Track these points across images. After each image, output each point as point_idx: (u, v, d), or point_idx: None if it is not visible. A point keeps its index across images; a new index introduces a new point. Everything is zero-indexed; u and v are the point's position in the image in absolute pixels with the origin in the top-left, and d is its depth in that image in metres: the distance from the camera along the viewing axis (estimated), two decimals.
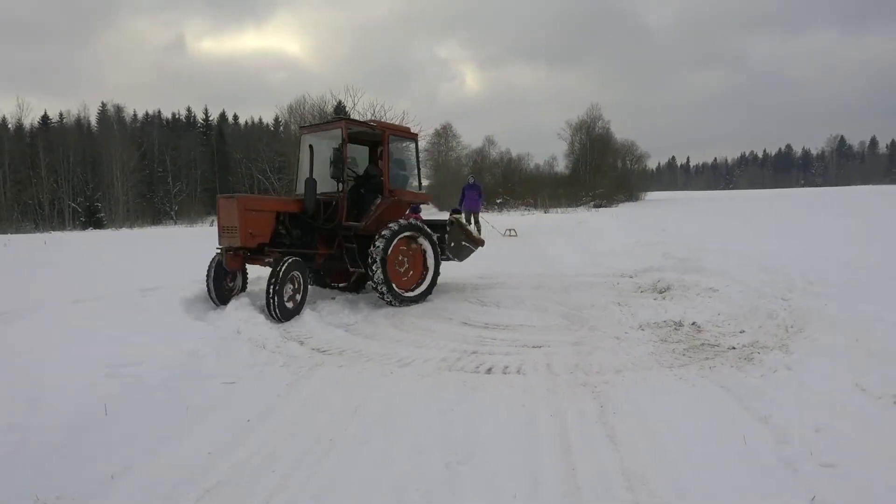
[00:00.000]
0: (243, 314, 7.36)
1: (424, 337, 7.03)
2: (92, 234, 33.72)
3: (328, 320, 7.83)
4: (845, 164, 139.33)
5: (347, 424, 4.41)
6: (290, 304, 7.77)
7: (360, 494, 3.40)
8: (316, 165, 8.97)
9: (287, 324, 7.52)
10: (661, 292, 9.13)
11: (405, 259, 9.10)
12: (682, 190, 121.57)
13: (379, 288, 8.58)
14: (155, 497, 3.35)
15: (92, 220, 56.17)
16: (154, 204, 67.74)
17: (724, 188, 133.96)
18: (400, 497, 3.36)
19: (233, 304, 7.77)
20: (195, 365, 5.45)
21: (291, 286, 7.87)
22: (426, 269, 9.33)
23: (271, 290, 7.49)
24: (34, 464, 3.54)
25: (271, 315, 7.49)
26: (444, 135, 66.65)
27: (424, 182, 52.29)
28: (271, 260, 7.95)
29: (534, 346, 6.44)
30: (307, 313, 7.92)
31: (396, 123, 10.47)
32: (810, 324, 5.98)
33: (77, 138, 64.50)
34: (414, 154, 10.06)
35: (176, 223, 58.95)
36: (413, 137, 9.97)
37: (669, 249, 12.70)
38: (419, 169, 10.18)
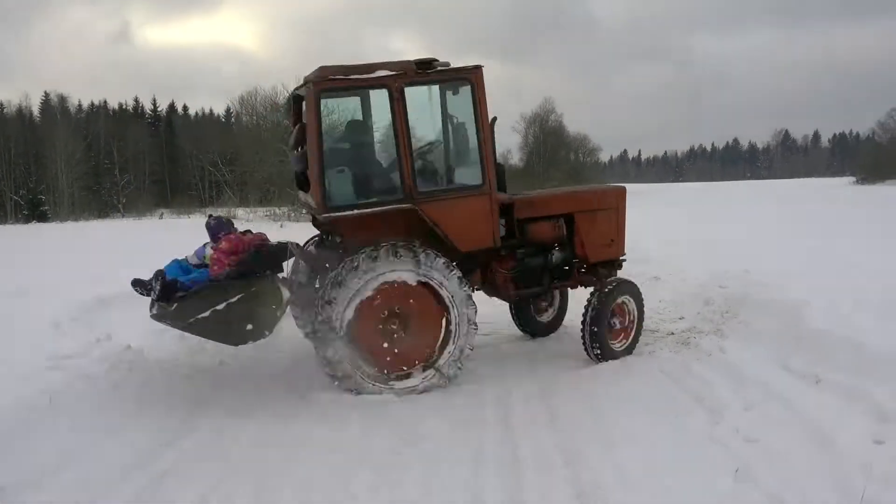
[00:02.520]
0: None
1: None
2: (36, 227, 32.69)
3: None
4: (790, 157, 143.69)
5: None
6: None
7: None
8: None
9: None
10: None
11: None
12: (633, 182, 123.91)
13: None
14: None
15: (35, 213, 54.40)
16: (101, 196, 65.73)
17: (674, 181, 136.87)
18: None
19: None
20: None
21: None
22: None
23: None
24: None
25: None
26: None
27: None
28: None
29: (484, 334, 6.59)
30: None
31: None
32: (744, 309, 6.25)
33: (19, 129, 62.21)
34: None
35: (123, 216, 57.44)
36: None
37: None
38: None
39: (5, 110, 68.75)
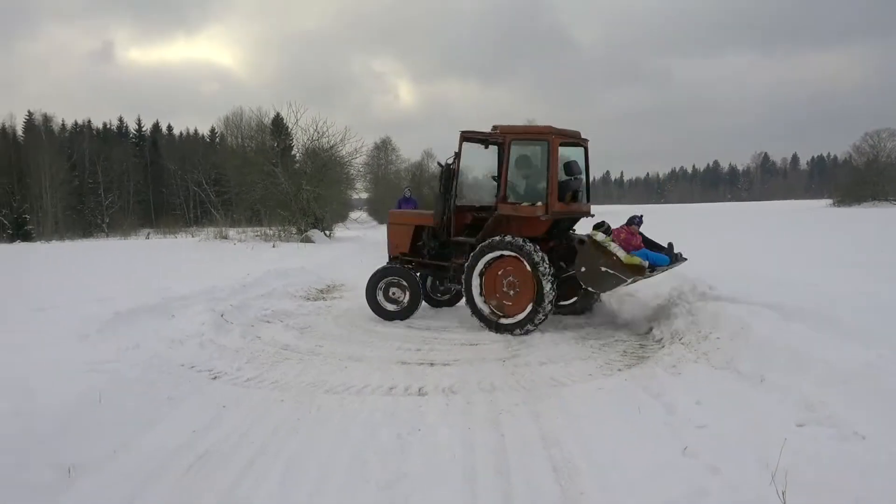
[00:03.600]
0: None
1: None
2: (28, 247, 32.89)
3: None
4: (769, 180, 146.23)
5: None
6: (390, 306, 8.98)
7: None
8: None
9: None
10: None
11: (514, 280, 8.02)
12: (616, 203, 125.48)
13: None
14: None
15: (20, 232, 54.37)
16: (85, 216, 65.73)
17: (656, 202, 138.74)
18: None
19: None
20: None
21: (397, 290, 9.00)
22: (535, 294, 7.81)
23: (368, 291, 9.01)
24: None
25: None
26: (384, 148, 67.25)
27: (363, 195, 52.49)
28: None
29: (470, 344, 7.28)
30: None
31: (521, 125, 9.48)
32: (703, 321, 6.98)
33: (2, 148, 62.20)
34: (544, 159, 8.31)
35: (108, 236, 57.47)
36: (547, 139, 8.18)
37: None
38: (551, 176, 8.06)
39: None
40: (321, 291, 11.86)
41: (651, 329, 7.62)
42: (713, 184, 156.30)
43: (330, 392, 5.64)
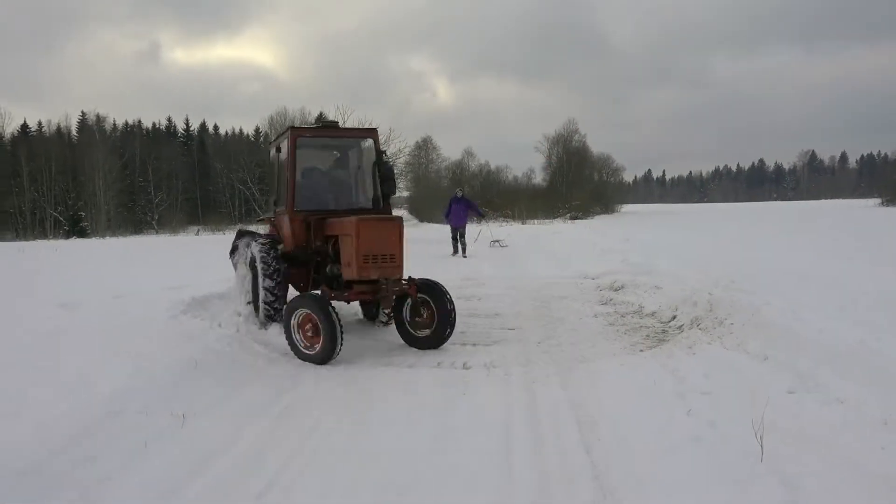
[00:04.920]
0: None
1: None
2: (87, 243, 34.72)
3: None
4: (816, 179, 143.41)
5: None
6: None
7: None
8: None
9: None
10: (615, 290, 10.82)
11: None
12: (657, 203, 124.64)
13: None
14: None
15: (75, 229, 56.93)
16: (135, 214, 68.18)
17: (698, 201, 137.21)
18: None
19: None
20: None
21: None
22: None
23: None
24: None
25: None
26: (425, 147, 68.32)
27: (404, 193, 53.45)
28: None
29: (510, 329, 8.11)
30: None
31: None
32: (721, 309, 7.68)
33: (58, 147, 64.88)
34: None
35: (157, 233, 59.67)
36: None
37: (628, 256, 14.46)
38: None
39: (44, 129, 71.77)
40: None
41: (674, 317, 8.32)
42: (758, 182, 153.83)
43: (389, 366, 6.53)
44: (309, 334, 6.53)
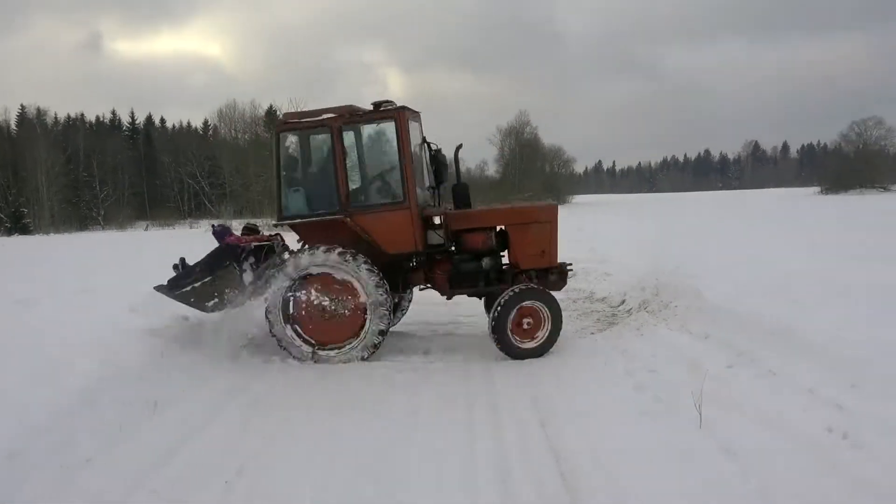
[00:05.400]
0: None
1: None
2: (33, 239, 33.78)
3: None
4: (760, 168, 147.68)
5: None
6: None
7: None
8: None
9: None
10: None
11: None
12: (608, 193, 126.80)
13: None
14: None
15: (17, 225, 55.15)
16: (80, 209, 66.19)
17: (647, 191, 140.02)
18: None
19: None
20: None
21: None
22: None
23: None
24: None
25: None
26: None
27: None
28: None
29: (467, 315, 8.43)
30: None
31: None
32: (667, 294, 8.10)
33: None
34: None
35: (104, 228, 58.21)
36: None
37: (579, 245, 14.91)
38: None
39: None
40: None
41: (623, 301, 8.74)
42: (704, 172, 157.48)
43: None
44: (524, 328, 6.47)
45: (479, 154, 73.02)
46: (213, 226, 7.58)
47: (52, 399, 4.51)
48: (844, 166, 62.62)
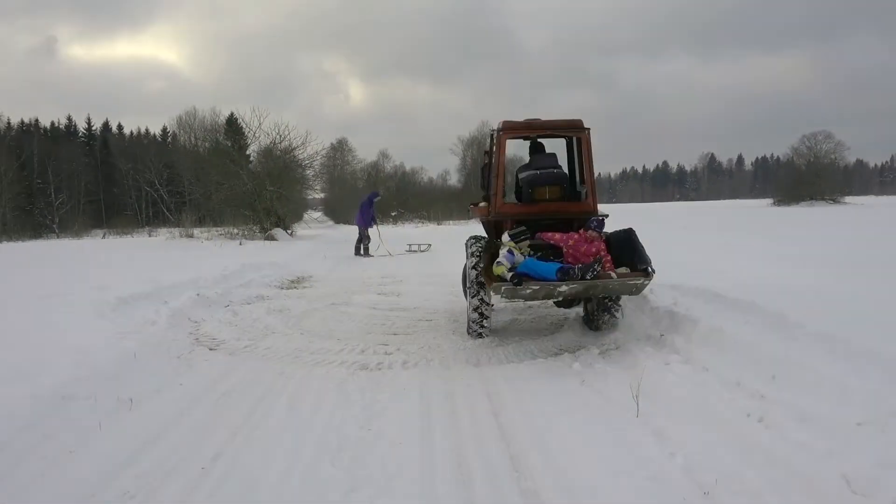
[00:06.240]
0: None
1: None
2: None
3: None
4: (716, 180, 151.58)
5: None
6: None
7: None
8: None
9: None
10: None
11: None
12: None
13: None
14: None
15: None
16: (34, 217, 64.62)
17: (607, 202, 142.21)
18: None
19: None
20: None
21: None
22: None
23: None
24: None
25: None
26: (340, 149, 68.36)
27: (319, 195, 53.34)
28: None
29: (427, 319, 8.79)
30: None
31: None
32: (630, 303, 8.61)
33: None
34: None
35: (59, 236, 56.93)
36: None
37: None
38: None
39: None
40: (293, 282, 13.25)
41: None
42: (663, 184, 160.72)
43: (314, 353, 7.06)
44: None
45: (440, 164, 73.38)
46: None
47: (29, 397, 4.74)
48: (796, 179, 64.70)
